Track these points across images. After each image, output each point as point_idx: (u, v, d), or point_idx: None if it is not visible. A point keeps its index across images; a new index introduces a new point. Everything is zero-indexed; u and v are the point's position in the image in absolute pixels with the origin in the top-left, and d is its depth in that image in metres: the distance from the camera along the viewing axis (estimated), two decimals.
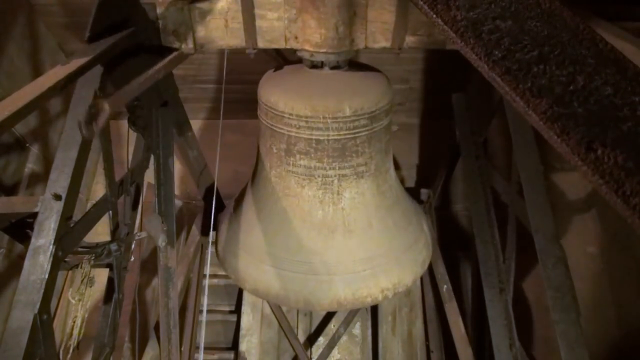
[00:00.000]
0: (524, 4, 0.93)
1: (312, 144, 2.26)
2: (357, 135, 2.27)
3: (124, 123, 2.38)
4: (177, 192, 2.85)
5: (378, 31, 2.09)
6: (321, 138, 2.24)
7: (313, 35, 2.03)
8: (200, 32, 2.12)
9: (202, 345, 2.47)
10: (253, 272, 2.55)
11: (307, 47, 2.09)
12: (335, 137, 2.24)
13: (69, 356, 1.98)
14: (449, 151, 3.69)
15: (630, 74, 0.84)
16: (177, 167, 2.85)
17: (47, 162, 3.95)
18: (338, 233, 2.43)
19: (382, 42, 2.12)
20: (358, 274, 2.44)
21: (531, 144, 2.54)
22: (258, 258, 2.53)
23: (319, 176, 2.34)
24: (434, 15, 0.96)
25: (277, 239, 2.50)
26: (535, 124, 0.86)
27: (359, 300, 2.46)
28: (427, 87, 4.57)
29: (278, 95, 2.26)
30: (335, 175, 2.35)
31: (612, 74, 0.84)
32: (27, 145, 3.84)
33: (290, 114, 2.22)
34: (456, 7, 0.95)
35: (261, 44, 2.15)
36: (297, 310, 3.80)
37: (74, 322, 2.06)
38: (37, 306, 1.55)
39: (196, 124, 3.61)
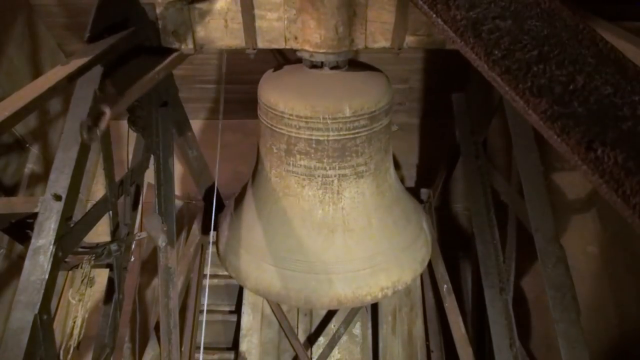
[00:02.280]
0: (523, 4, 0.93)
1: (312, 144, 2.27)
2: (357, 135, 2.27)
3: (124, 123, 2.39)
4: (177, 192, 2.85)
5: (378, 31, 2.09)
6: (321, 138, 2.24)
7: (312, 36, 2.03)
8: (200, 32, 2.12)
9: (202, 346, 2.47)
10: (254, 271, 2.56)
11: (306, 47, 2.09)
12: (335, 138, 2.25)
13: (69, 356, 1.98)
14: (449, 151, 3.69)
15: (630, 73, 0.84)
16: (177, 167, 2.86)
17: (47, 162, 3.95)
18: (338, 232, 2.44)
19: (382, 42, 2.12)
20: (358, 272, 2.45)
21: (531, 144, 2.54)
22: (259, 257, 2.54)
23: (319, 176, 2.35)
24: (434, 15, 0.96)
25: (277, 238, 2.51)
26: (535, 124, 0.86)
27: (358, 298, 2.47)
28: (427, 87, 4.57)
29: (278, 96, 2.26)
30: (335, 175, 2.35)
31: (612, 74, 0.84)
32: (27, 145, 3.84)
33: (290, 115, 2.22)
34: (456, 6, 0.95)
35: (261, 44, 2.15)
36: (298, 310, 3.80)
37: (74, 322, 2.06)
38: (37, 306, 1.55)
39: (196, 124, 3.61)
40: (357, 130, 2.26)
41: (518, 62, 0.88)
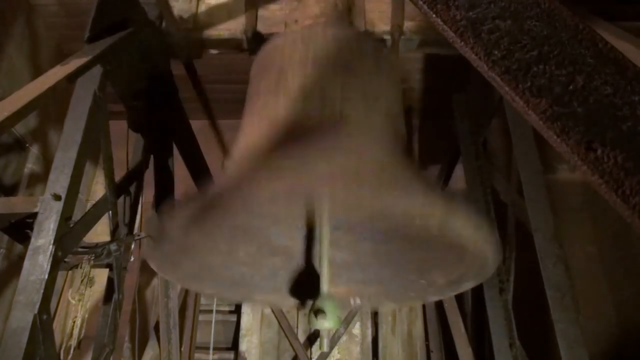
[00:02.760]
0: (523, 4, 0.93)
1: None
2: None
3: (124, 123, 2.38)
4: (177, 192, 2.85)
5: (376, 18, 2.09)
6: None
7: (312, 9, 2.02)
8: (203, 18, 2.12)
9: (211, 345, 2.47)
10: None
11: (307, 23, 2.08)
12: None
13: (69, 356, 1.98)
14: (449, 151, 3.69)
15: (630, 74, 0.84)
16: (177, 167, 2.85)
17: (47, 162, 3.95)
18: None
19: (382, 26, 2.11)
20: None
21: (531, 144, 2.54)
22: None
23: None
24: (434, 15, 0.96)
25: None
26: (534, 124, 0.86)
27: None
28: (427, 87, 4.57)
29: None
30: None
31: (611, 74, 0.84)
32: (27, 145, 3.84)
33: None
34: (455, 6, 0.95)
35: (262, 29, 2.14)
36: (297, 310, 3.80)
37: (74, 322, 2.06)
38: (37, 306, 1.55)
39: (196, 124, 3.61)
40: None
41: (518, 62, 0.88)
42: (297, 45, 1.83)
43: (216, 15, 2.12)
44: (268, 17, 2.09)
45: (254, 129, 1.88)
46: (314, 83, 1.74)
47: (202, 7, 2.09)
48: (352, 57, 1.84)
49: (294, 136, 1.63)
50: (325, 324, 1.53)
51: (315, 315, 1.53)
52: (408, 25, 2.09)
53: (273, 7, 2.07)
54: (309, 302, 1.66)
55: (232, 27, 2.14)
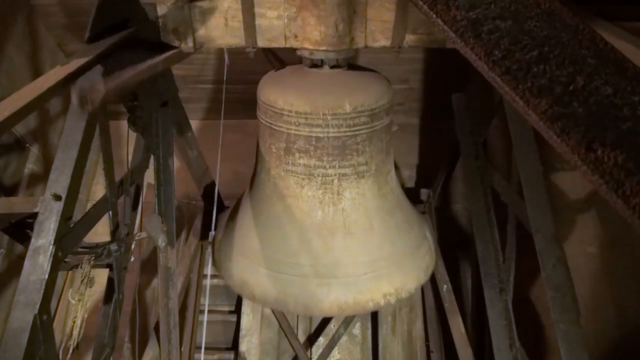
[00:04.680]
0: (523, 4, 0.93)
1: (311, 141, 2.25)
2: (357, 133, 2.26)
3: (124, 123, 2.38)
4: (177, 192, 2.85)
5: (378, 30, 2.09)
6: (321, 135, 2.23)
7: (312, 33, 2.03)
8: (200, 30, 2.12)
9: (203, 346, 2.47)
10: (250, 277, 2.48)
11: (306, 45, 2.09)
12: (335, 135, 2.23)
13: (69, 356, 1.98)
14: (449, 151, 3.69)
15: (630, 74, 0.84)
16: (177, 167, 2.85)
17: (47, 162, 3.95)
18: (338, 235, 2.39)
19: (382, 40, 2.11)
20: (359, 277, 2.37)
21: (531, 144, 2.54)
22: (255, 261, 2.46)
23: (318, 175, 2.32)
24: (434, 15, 0.96)
25: (275, 241, 2.46)
26: (535, 124, 0.86)
27: (360, 304, 2.38)
28: (427, 87, 4.57)
29: (277, 93, 2.26)
30: (335, 175, 2.33)
31: (612, 74, 0.84)
32: (27, 145, 3.84)
33: (290, 111, 2.21)
34: (456, 7, 0.95)
35: (261, 42, 2.14)
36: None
37: (74, 322, 2.06)
38: (37, 306, 1.55)
39: (196, 124, 3.61)
40: (357, 128, 2.24)
41: (518, 62, 0.88)
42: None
43: (213, 27, 2.12)
44: (266, 29, 2.09)
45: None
46: None
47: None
48: None
49: None
50: None
51: None
52: (409, 38, 2.09)
53: (270, 14, 2.06)
54: None
55: (232, 43, 2.15)
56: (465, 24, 0.93)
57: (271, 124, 2.31)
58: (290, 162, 2.33)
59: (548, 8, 0.92)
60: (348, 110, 2.19)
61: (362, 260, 2.40)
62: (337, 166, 2.31)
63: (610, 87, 0.83)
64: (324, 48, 2.07)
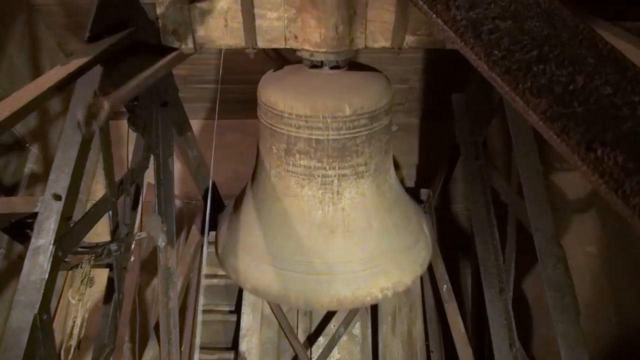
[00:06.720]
0: (523, 4, 0.93)
1: (311, 143, 2.26)
2: (357, 135, 2.27)
3: (124, 123, 2.38)
4: (177, 192, 2.86)
5: (378, 31, 2.09)
6: (321, 138, 2.24)
7: (312, 35, 2.03)
8: (200, 31, 2.12)
9: (197, 344, 2.48)
10: (253, 272, 2.55)
11: (306, 46, 2.09)
12: (335, 137, 2.24)
13: (69, 356, 1.98)
14: (449, 151, 3.69)
15: (630, 74, 0.84)
16: (177, 167, 2.86)
17: (47, 162, 3.95)
18: (338, 233, 2.43)
19: (382, 41, 2.11)
20: (358, 273, 2.44)
21: (531, 144, 2.54)
22: (258, 258, 2.53)
23: (318, 176, 2.34)
24: (434, 15, 0.96)
25: (276, 238, 2.50)
26: (535, 124, 0.86)
27: (358, 299, 2.46)
28: (427, 87, 4.57)
29: (277, 95, 2.26)
30: (335, 175, 2.35)
31: (612, 74, 0.84)
32: (27, 145, 3.84)
33: (290, 114, 2.22)
34: (456, 7, 0.95)
35: (261, 43, 2.14)
36: (297, 310, 3.80)
37: (74, 322, 2.06)
38: (37, 306, 1.55)
39: (196, 124, 3.61)
40: (357, 130, 2.25)
41: (518, 62, 0.88)
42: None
43: (213, 28, 2.11)
44: (266, 30, 2.09)
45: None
46: None
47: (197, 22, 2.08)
48: None
49: None
50: None
51: None
52: (409, 39, 2.09)
53: (270, 15, 2.06)
54: None
55: (232, 44, 2.15)
56: (465, 24, 0.93)
57: (272, 125, 2.32)
58: (290, 162, 2.34)
59: (548, 8, 0.92)
60: (348, 113, 2.19)
61: (360, 257, 2.45)
62: (336, 167, 2.32)
63: (610, 87, 0.83)
64: (324, 50, 2.07)
